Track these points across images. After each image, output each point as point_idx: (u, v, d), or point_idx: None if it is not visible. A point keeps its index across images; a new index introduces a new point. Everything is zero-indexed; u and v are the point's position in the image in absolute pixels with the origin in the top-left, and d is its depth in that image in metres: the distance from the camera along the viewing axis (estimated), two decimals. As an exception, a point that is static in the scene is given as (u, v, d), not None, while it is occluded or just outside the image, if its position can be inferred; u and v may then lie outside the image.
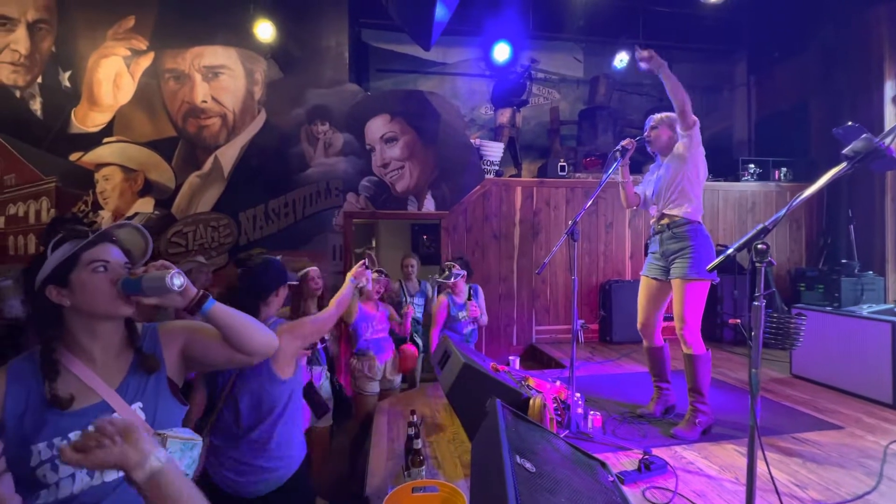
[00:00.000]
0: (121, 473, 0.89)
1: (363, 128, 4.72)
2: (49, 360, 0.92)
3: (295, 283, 2.32)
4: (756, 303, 1.16)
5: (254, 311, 1.55)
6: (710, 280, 2.39)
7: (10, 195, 4.32)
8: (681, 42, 6.12)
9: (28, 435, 0.89)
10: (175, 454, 0.95)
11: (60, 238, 0.95)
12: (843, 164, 1.05)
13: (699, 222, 2.44)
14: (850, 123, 1.08)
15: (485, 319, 3.45)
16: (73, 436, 0.89)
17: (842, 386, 3.06)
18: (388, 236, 6.43)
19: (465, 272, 3.26)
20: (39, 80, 4.38)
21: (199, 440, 1.00)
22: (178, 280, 0.93)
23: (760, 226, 1.14)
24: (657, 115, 2.56)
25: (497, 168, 5.05)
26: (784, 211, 1.11)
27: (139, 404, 0.98)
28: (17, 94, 4.35)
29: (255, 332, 1.08)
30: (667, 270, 2.49)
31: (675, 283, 2.42)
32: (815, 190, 1.11)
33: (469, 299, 3.28)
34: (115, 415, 0.94)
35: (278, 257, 1.70)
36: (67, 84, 4.42)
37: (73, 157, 4.38)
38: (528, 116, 5.97)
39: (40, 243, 0.96)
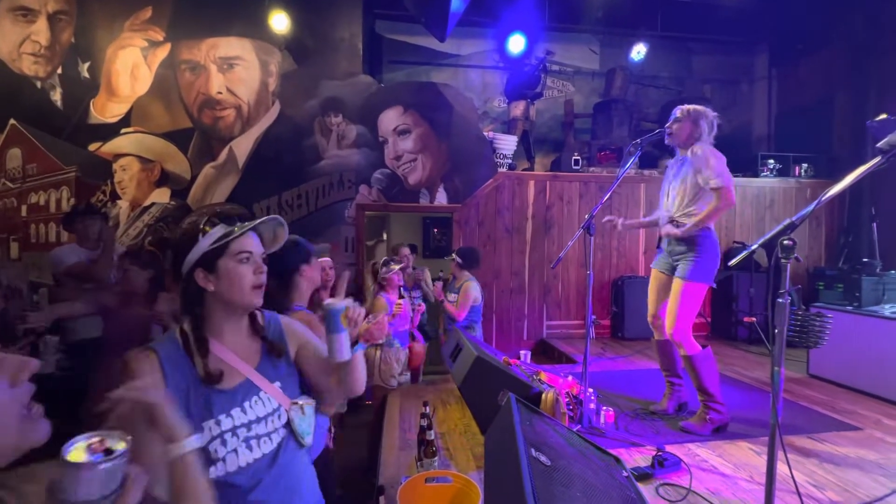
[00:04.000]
0: (271, 448, 1.00)
1: (376, 120, 4.71)
2: (201, 337, 0.97)
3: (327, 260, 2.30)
4: (780, 300, 1.14)
5: (282, 293, 1.58)
6: (708, 285, 2.40)
7: (31, 184, 4.41)
8: (700, 33, 5.97)
9: (200, 412, 0.93)
10: (310, 418, 1.07)
11: (210, 220, 0.98)
12: (878, 159, 1.02)
13: (708, 227, 2.39)
14: (884, 116, 1.05)
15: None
16: (236, 413, 0.97)
17: (861, 387, 3.00)
18: (400, 229, 6.44)
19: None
20: (59, 70, 4.45)
21: (313, 401, 1.11)
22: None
23: (787, 221, 1.11)
24: (684, 108, 2.46)
25: (510, 161, 5.01)
26: (813, 206, 1.08)
27: (278, 384, 1.05)
28: (38, 84, 4.42)
29: (363, 382, 1.15)
30: (673, 267, 2.50)
31: (675, 282, 2.43)
32: (848, 184, 1.08)
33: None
34: (261, 392, 1.02)
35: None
36: (86, 75, 4.48)
37: (92, 147, 4.45)
38: (542, 109, 5.90)
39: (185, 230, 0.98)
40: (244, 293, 0.99)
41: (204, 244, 0.96)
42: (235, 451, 0.95)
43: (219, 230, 0.97)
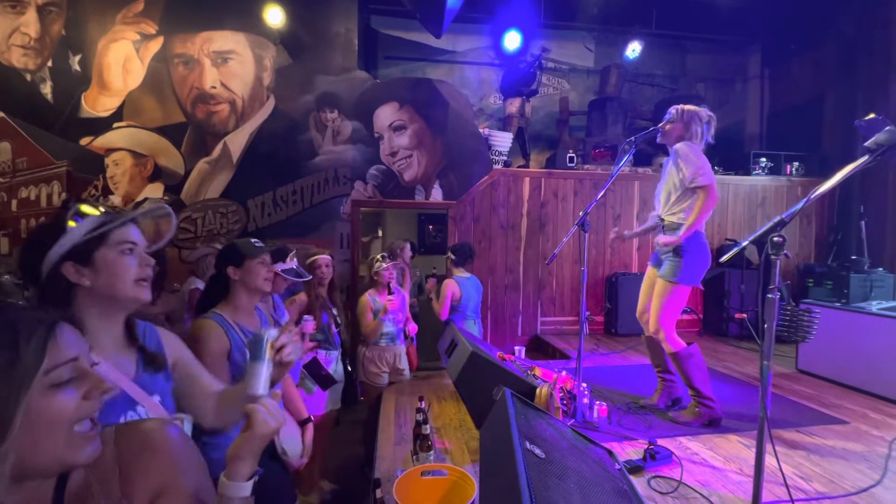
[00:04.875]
0: None
1: (371, 116, 4.70)
2: None
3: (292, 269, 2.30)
4: (770, 295, 1.16)
5: (225, 289, 1.57)
6: (691, 286, 2.40)
7: (22, 179, 4.35)
8: (694, 32, 6.01)
9: None
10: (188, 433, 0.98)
11: (78, 210, 0.88)
12: (865, 157, 1.04)
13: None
14: (872, 115, 1.07)
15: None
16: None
17: (848, 381, 3.06)
18: (395, 226, 6.43)
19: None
20: (50, 63, 4.38)
21: (192, 416, 1.05)
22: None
23: (777, 218, 1.14)
24: (679, 108, 2.46)
25: (505, 158, 5.03)
26: (802, 203, 1.10)
27: (157, 397, 0.96)
28: (28, 77, 4.36)
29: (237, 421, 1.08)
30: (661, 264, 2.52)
31: (658, 282, 2.45)
32: (836, 183, 1.10)
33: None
34: (139, 407, 0.91)
35: (253, 240, 1.66)
36: (77, 68, 4.42)
37: (84, 141, 4.40)
38: (537, 106, 5.91)
39: (55, 217, 0.88)
40: (127, 286, 0.90)
41: (77, 233, 0.86)
42: None
43: (92, 220, 0.88)
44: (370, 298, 2.87)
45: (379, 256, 2.96)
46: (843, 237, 4.92)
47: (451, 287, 3.28)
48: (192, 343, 1.38)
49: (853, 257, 4.39)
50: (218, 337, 1.44)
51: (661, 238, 2.41)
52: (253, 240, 1.64)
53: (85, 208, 0.89)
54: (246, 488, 0.75)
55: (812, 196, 1.11)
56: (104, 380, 0.59)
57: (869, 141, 1.02)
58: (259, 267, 1.56)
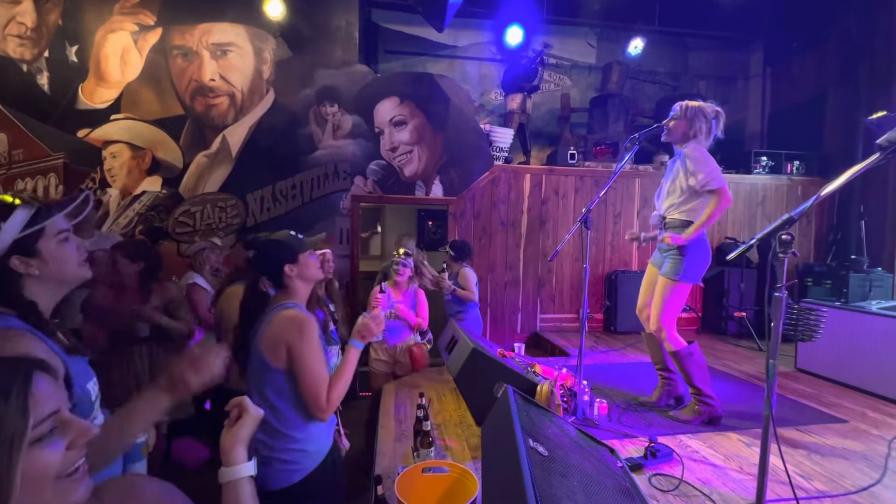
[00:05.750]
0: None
1: (372, 110, 4.66)
2: (42, 320, 0.96)
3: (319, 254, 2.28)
4: (777, 293, 1.15)
5: (276, 293, 1.54)
6: (692, 283, 2.40)
7: (18, 170, 4.31)
8: (697, 29, 5.98)
9: (81, 377, 1.01)
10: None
11: (6, 206, 0.92)
12: (877, 155, 1.03)
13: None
14: (884, 113, 1.06)
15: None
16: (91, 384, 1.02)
17: (847, 381, 3.07)
18: (394, 221, 6.41)
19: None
20: (46, 54, 4.33)
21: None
22: None
23: (786, 216, 1.12)
24: (682, 105, 2.42)
25: (506, 154, 5.00)
26: (812, 201, 1.09)
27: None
28: (25, 67, 4.30)
29: None
30: (662, 263, 2.51)
31: (660, 279, 2.45)
32: (846, 180, 1.09)
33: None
34: (90, 382, 1.06)
35: (292, 232, 1.60)
36: (74, 59, 4.37)
37: (81, 133, 4.36)
38: (539, 103, 5.89)
39: None
40: (74, 269, 1.02)
41: (13, 230, 0.91)
42: (97, 418, 1.03)
43: (22, 213, 0.93)
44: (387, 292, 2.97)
45: (402, 251, 2.99)
46: (843, 237, 4.92)
47: (472, 274, 3.52)
48: (293, 334, 1.38)
49: (852, 257, 4.39)
50: (315, 326, 1.44)
51: (669, 236, 2.38)
52: (291, 232, 1.61)
53: (6, 198, 0.94)
54: (250, 467, 0.84)
55: (822, 194, 1.10)
56: (88, 426, 0.58)
57: (881, 138, 1.00)
58: (310, 258, 1.57)
